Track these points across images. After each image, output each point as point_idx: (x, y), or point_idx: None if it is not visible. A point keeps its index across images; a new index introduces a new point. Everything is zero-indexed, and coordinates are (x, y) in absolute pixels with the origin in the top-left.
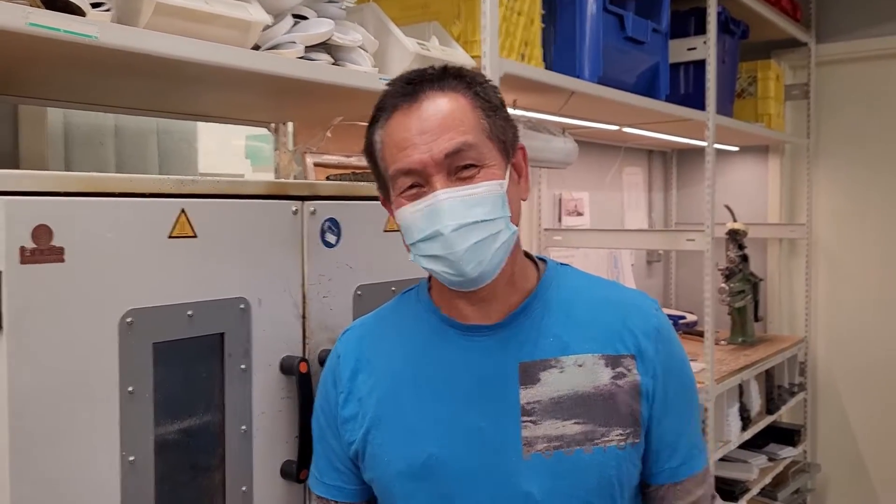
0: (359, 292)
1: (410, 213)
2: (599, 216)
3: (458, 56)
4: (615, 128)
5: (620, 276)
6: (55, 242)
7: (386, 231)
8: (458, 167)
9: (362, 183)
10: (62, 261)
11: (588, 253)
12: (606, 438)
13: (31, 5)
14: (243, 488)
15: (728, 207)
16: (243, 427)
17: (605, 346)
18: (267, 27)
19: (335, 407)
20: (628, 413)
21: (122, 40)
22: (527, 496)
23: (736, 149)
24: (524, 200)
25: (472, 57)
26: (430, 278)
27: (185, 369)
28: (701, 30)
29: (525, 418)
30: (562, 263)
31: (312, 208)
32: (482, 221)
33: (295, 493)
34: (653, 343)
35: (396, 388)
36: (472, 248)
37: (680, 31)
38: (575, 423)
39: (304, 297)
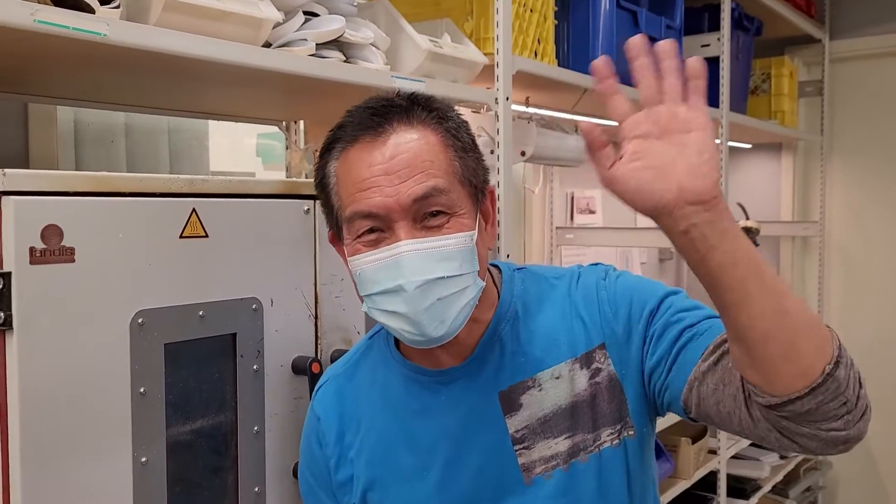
0: None
1: (368, 262)
2: (612, 214)
3: (470, 53)
4: None
5: None
6: (65, 243)
7: None
8: (426, 214)
9: None
10: (72, 261)
11: (600, 251)
12: (599, 442)
13: (38, 2)
14: (256, 489)
15: (740, 205)
16: (255, 428)
17: (575, 347)
18: (278, 24)
19: (326, 471)
20: (614, 408)
21: (131, 38)
22: None
23: (748, 146)
24: (490, 249)
25: (485, 54)
26: None
27: (196, 370)
28: (715, 26)
29: (517, 446)
30: (518, 268)
31: None
32: (449, 277)
33: None
34: (604, 315)
35: (385, 446)
36: (435, 306)
37: (694, 27)
38: (565, 437)
39: (316, 296)
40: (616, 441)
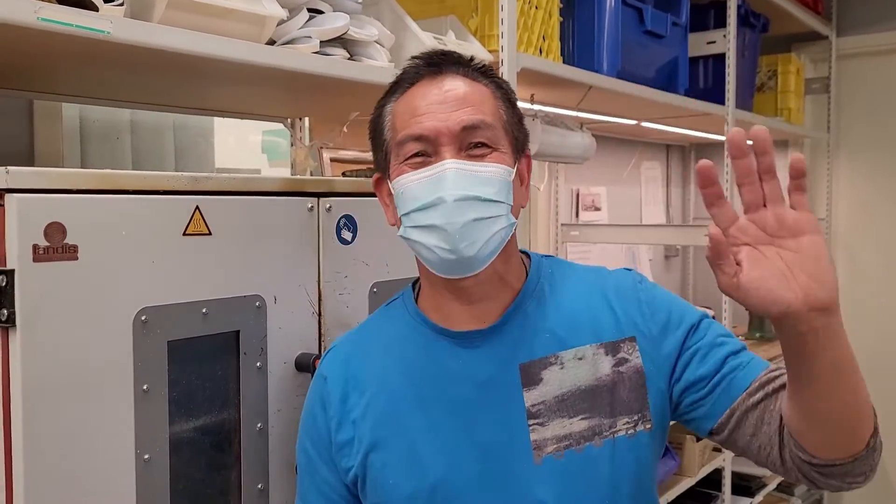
0: (374, 289)
1: (413, 180)
2: (617, 211)
3: (475, 50)
4: (633, 122)
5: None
6: (68, 240)
7: None
8: (471, 143)
9: None
10: (76, 258)
11: (606, 248)
12: (615, 429)
13: None
14: (259, 486)
15: None
16: (259, 425)
17: (601, 333)
18: (282, 21)
19: (327, 433)
20: (634, 399)
21: (134, 36)
22: None
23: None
24: (523, 208)
25: (490, 51)
26: (414, 285)
27: (200, 367)
28: (721, 23)
29: (532, 421)
30: (546, 255)
31: (328, 205)
32: (485, 200)
33: None
34: (642, 315)
35: (394, 407)
36: (470, 225)
37: (699, 24)
38: (581, 418)
39: (319, 294)
40: (632, 431)
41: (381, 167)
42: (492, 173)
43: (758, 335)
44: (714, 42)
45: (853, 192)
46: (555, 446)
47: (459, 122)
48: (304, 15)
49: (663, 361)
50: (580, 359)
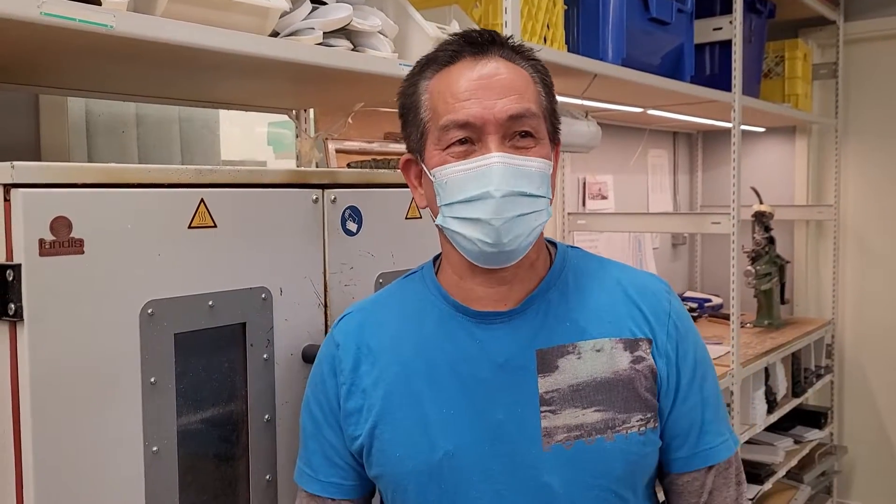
0: (380, 280)
1: (458, 171)
2: (624, 199)
3: None
4: (639, 110)
5: (644, 260)
6: (74, 234)
7: (407, 218)
8: (516, 133)
9: (383, 170)
10: (82, 252)
11: (612, 236)
12: (627, 425)
13: None
14: (267, 477)
15: (754, 189)
16: (266, 416)
17: (621, 329)
18: (285, 13)
19: (335, 399)
20: (647, 397)
21: (138, 29)
22: (546, 488)
23: (762, 130)
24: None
25: None
26: (435, 261)
27: (207, 359)
28: (727, 9)
29: (544, 408)
30: (571, 246)
31: (333, 196)
32: (530, 196)
33: None
34: (665, 328)
35: (406, 379)
36: (515, 220)
37: (705, 10)
38: (595, 410)
39: (325, 285)
40: (643, 429)
41: (415, 147)
42: (536, 168)
43: (766, 322)
44: (720, 28)
45: (862, 178)
46: (565, 435)
47: (505, 111)
48: (308, 6)
49: (671, 389)
50: (598, 350)
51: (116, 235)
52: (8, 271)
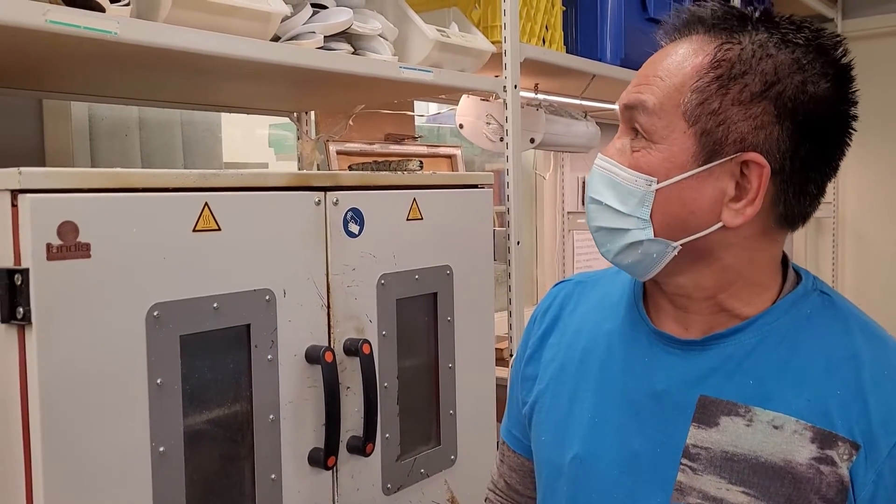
0: (382, 281)
1: None
2: None
3: (478, 42)
4: None
5: None
6: (81, 238)
7: (408, 220)
8: (633, 129)
9: (384, 172)
10: (88, 256)
11: None
12: None
13: (50, 2)
14: (272, 476)
15: None
16: (271, 416)
17: (820, 415)
18: (286, 18)
19: (520, 360)
20: None
21: (141, 36)
22: None
23: None
24: (730, 228)
25: (493, 42)
26: None
27: (212, 361)
28: None
29: (685, 461)
30: (823, 292)
31: (335, 199)
32: (608, 206)
33: (323, 480)
34: (891, 435)
35: (574, 370)
36: (599, 231)
37: None
38: (743, 492)
39: (328, 287)
40: None
41: None
42: (622, 179)
43: None
44: None
45: (861, 175)
46: (698, 501)
47: (623, 100)
48: (308, 10)
49: None
50: (776, 427)
51: (122, 239)
52: (16, 276)
